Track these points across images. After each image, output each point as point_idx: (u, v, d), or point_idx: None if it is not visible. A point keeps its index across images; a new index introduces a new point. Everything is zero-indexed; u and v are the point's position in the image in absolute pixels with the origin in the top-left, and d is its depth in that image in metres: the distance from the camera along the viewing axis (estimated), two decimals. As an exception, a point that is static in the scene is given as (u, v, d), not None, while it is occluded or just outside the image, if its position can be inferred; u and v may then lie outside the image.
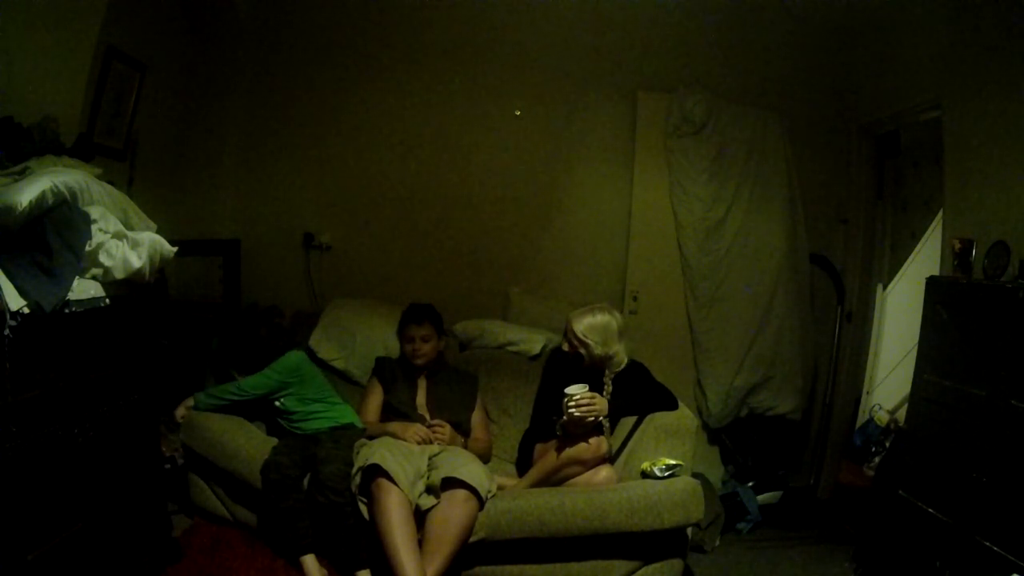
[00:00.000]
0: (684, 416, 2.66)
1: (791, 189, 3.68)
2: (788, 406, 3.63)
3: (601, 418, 2.53)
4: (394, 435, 2.59)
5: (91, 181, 1.99)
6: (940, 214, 3.20)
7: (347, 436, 2.61)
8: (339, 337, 3.18)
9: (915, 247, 4.25)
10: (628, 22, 3.68)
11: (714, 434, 3.72)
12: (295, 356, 2.78)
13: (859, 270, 3.83)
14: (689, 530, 2.43)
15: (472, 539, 2.24)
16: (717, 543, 3.24)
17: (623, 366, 2.73)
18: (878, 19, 3.46)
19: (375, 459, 2.26)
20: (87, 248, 1.87)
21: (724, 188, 3.60)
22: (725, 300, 3.62)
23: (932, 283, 2.67)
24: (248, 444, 2.53)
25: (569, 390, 2.48)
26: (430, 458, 2.49)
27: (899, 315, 4.22)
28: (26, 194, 1.70)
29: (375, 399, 2.86)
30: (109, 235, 1.95)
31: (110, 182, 2.15)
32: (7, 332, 1.56)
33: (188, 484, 2.70)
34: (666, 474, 2.36)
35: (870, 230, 3.89)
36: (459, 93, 3.71)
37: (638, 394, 2.70)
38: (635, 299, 3.69)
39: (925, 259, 4.01)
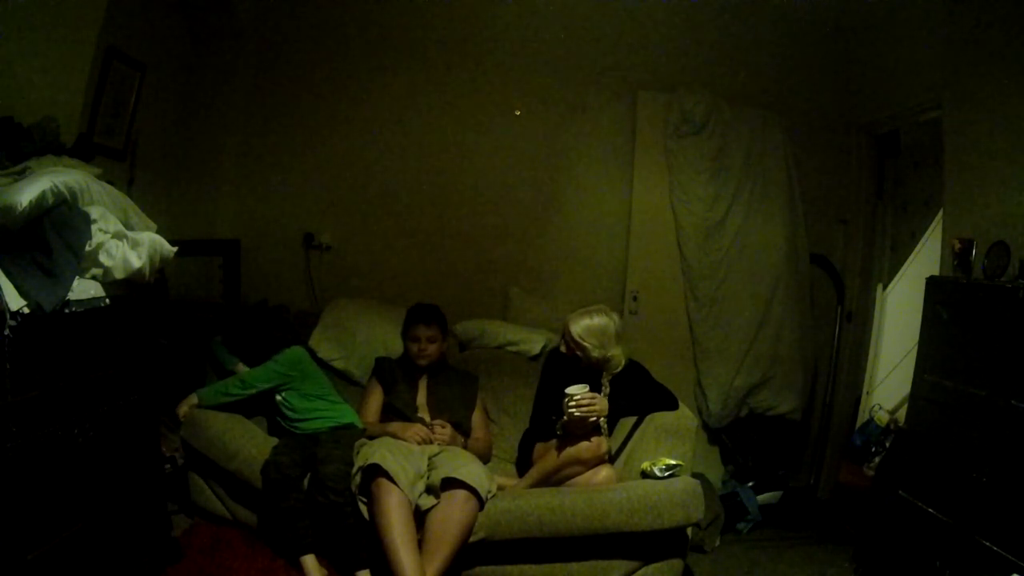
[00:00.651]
0: (684, 416, 2.66)
1: (791, 189, 3.68)
2: (788, 406, 3.63)
3: (600, 418, 2.53)
4: (394, 435, 2.59)
5: (91, 181, 1.98)
6: (940, 214, 3.19)
7: (347, 436, 2.61)
8: (339, 337, 3.18)
9: (915, 247, 4.24)
10: (628, 22, 3.69)
11: (714, 434, 3.72)
12: (298, 349, 2.81)
13: (859, 270, 3.84)
14: (689, 530, 2.43)
15: (472, 539, 2.24)
16: (717, 543, 3.24)
17: (621, 367, 2.73)
18: (878, 19, 3.46)
19: (375, 459, 2.26)
20: (87, 248, 1.87)
21: (724, 188, 3.60)
22: (725, 300, 3.63)
23: (932, 283, 2.67)
24: (248, 444, 2.53)
25: (570, 390, 2.48)
26: (430, 458, 2.49)
27: (899, 315, 4.21)
28: (26, 194, 1.70)
29: (375, 399, 2.86)
30: (109, 235, 1.95)
31: (110, 182, 2.15)
32: (7, 332, 1.55)
33: (188, 484, 2.70)
34: (666, 474, 2.37)
35: (870, 230, 3.89)
36: (459, 92, 3.71)
37: (638, 394, 2.70)
38: (635, 299, 3.69)
39: (925, 259, 3.99)
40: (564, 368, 2.75)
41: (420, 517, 2.25)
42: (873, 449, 4.18)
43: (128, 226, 2.09)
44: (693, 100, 3.54)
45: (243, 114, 3.69)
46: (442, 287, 3.62)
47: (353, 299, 3.40)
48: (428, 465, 2.44)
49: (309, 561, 2.34)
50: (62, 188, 1.82)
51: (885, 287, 4.24)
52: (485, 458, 2.79)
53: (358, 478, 2.31)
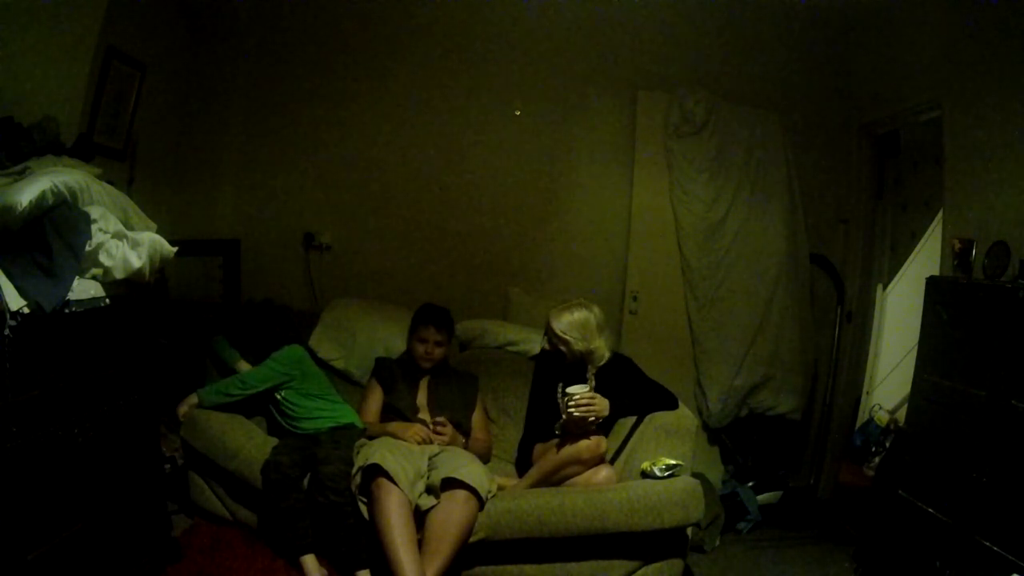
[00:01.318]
0: (684, 416, 2.65)
1: (791, 189, 3.68)
2: (788, 406, 3.63)
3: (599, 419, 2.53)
4: (394, 435, 2.60)
5: (91, 181, 1.98)
6: (940, 214, 3.20)
7: (347, 436, 2.61)
8: (339, 337, 3.18)
9: (915, 247, 4.26)
10: (628, 22, 3.68)
11: (714, 434, 3.72)
12: (297, 348, 2.82)
13: (859, 270, 3.84)
14: (689, 530, 2.43)
15: (472, 539, 2.24)
16: (717, 543, 3.24)
17: (605, 360, 2.74)
18: (878, 19, 3.46)
19: (375, 459, 2.26)
20: (87, 248, 1.87)
21: (724, 188, 3.60)
22: (725, 300, 3.62)
23: (932, 283, 2.67)
24: (248, 444, 2.53)
25: (570, 390, 2.48)
26: (430, 458, 2.49)
27: (899, 315, 4.22)
28: (26, 194, 1.70)
29: (375, 399, 2.86)
30: (109, 235, 1.95)
31: (110, 182, 2.15)
32: (7, 332, 1.55)
33: (188, 484, 2.70)
34: (666, 474, 2.36)
35: (870, 230, 3.89)
36: (459, 92, 3.71)
37: (631, 391, 2.69)
38: (635, 299, 3.69)
39: (925, 259, 4.01)
40: (551, 366, 2.76)
41: (420, 517, 2.25)
42: (873, 449, 4.20)
43: (128, 226, 2.09)
44: (693, 100, 3.54)
45: (243, 114, 3.69)
46: (442, 287, 3.62)
47: (353, 299, 3.39)
48: (428, 465, 2.44)
49: (309, 561, 2.34)
50: (62, 188, 1.82)
51: (885, 287, 4.25)
52: (485, 458, 2.79)
53: (358, 478, 2.31)
